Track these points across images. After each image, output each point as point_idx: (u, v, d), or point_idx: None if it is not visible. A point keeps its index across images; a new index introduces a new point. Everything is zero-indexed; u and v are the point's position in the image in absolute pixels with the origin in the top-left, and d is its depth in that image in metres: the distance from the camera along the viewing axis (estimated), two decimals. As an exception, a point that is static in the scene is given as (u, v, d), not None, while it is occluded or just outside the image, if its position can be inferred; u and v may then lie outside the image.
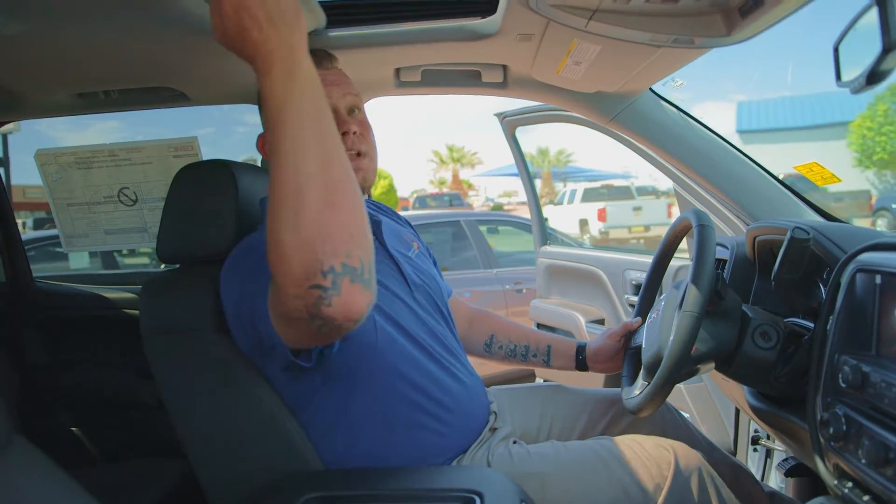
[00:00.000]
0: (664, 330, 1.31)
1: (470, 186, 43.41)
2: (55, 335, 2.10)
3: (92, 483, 0.77)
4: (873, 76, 0.86)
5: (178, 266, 1.41)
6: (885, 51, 0.82)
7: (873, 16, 0.88)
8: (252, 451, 1.22)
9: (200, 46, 1.39)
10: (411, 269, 1.40)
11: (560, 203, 21.01)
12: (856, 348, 1.01)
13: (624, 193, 19.65)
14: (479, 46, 1.48)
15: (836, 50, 1.05)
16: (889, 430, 0.87)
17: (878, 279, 0.99)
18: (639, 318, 1.58)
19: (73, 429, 2.06)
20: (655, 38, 1.05)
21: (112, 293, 2.11)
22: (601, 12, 0.99)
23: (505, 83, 1.69)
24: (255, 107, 1.82)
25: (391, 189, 31.48)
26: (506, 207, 31.78)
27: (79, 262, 5.70)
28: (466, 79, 1.69)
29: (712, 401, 2.16)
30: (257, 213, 1.37)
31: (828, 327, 1.08)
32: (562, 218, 19.76)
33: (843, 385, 0.99)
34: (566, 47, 1.31)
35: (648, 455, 1.29)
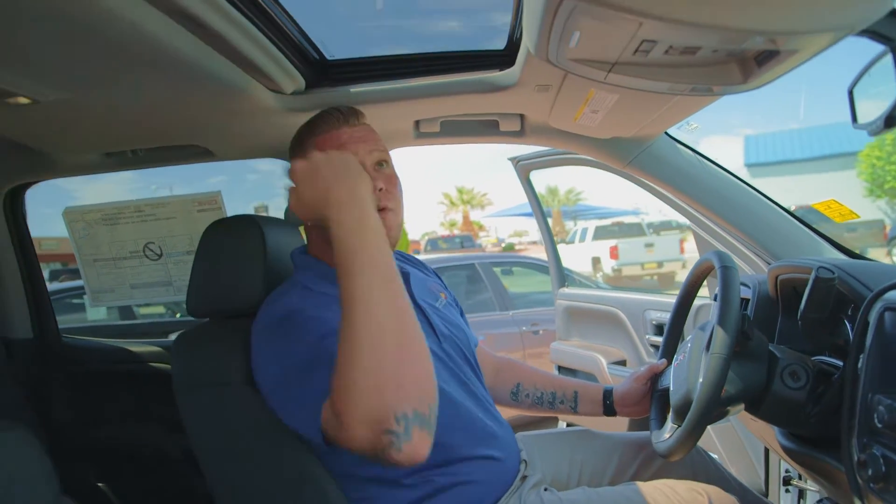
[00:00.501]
0: (692, 372, 1.31)
1: (481, 227, 43.57)
2: (82, 390, 2.11)
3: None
4: (891, 119, 0.88)
5: (206, 320, 1.43)
6: (903, 96, 0.84)
7: (887, 60, 0.91)
8: (284, 500, 1.21)
9: (226, 106, 1.43)
10: (439, 319, 1.41)
11: (572, 242, 21.02)
12: (889, 387, 1.01)
13: (635, 230, 19.65)
14: (497, 97, 1.52)
15: (850, 93, 1.08)
16: (930, 471, 0.87)
17: (907, 317, 0.99)
18: (664, 360, 1.58)
19: (100, 484, 2.06)
20: (674, 87, 1.08)
21: (137, 346, 2.13)
22: (620, 65, 1.02)
23: (522, 132, 1.72)
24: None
25: (402, 233, 31.63)
26: (517, 247, 31.82)
27: (96, 313, 5.74)
28: (484, 128, 1.72)
29: (741, 441, 2.14)
30: (284, 267, 1.39)
31: (858, 366, 1.08)
32: (574, 257, 19.72)
33: (879, 425, 0.99)
34: (584, 97, 1.34)
35: (682, 500, 1.28)
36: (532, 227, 41.15)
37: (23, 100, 1.16)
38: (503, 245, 35.19)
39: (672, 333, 1.61)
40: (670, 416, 1.40)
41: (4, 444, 1.03)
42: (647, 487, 1.32)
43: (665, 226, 22.96)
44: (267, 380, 1.14)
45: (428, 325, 1.37)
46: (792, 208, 1.81)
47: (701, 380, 1.21)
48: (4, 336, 2.03)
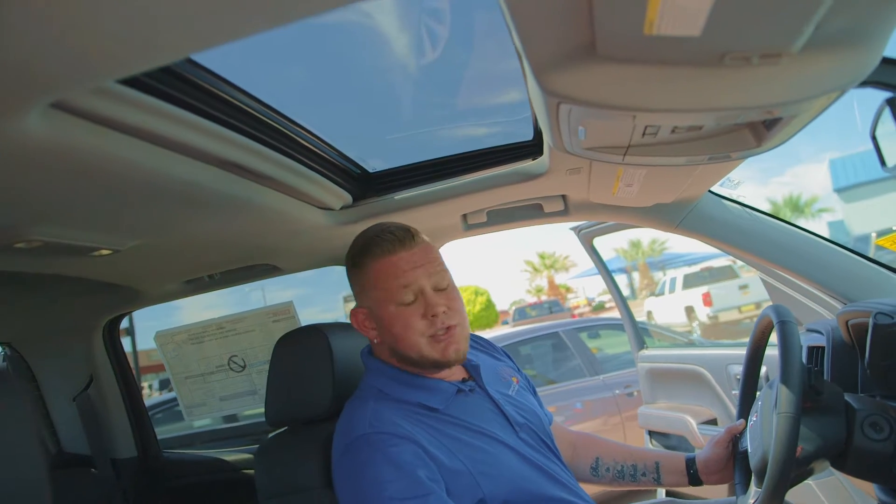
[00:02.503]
0: (766, 433, 1.28)
1: (568, 290, 42.98)
2: (183, 501, 2.23)
3: None
4: (909, 166, 0.88)
5: (284, 428, 1.51)
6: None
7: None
8: None
9: (283, 229, 1.56)
10: (513, 408, 1.43)
11: (661, 294, 20.45)
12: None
13: (726, 273, 18.89)
14: (535, 184, 1.58)
15: (874, 138, 1.08)
16: None
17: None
18: (742, 421, 1.54)
19: None
20: (692, 159, 1.11)
21: (230, 455, 2.24)
22: (634, 146, 1.07)
23: (567, 210, 1.77)
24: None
25: (489, 304, 31.63)
26: (608, 305, 31.15)
27: (201, 420, 5.97)
28: (530, 212, 1.78)
29: (850, 496, 2.01)
30: (353, 369, 1.46)
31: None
32: (666, 308, 19.14)
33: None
34: (614, 174, 1.39)
35: None
36: (621, 283, 40.30)
37: (105, 251, 1.31)
38: (594, 304, 34.57)
39: (746, 392, 1.57)
40: (753, 479, 1.36)
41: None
42: None
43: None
44: None
45: (503, 417, 1.39)
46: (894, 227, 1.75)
47: (773, 442, 1.19)
48: (111, 456, 2.19)
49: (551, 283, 44.37)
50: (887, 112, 0.93)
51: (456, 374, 1.40)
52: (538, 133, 1.43)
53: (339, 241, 1.38)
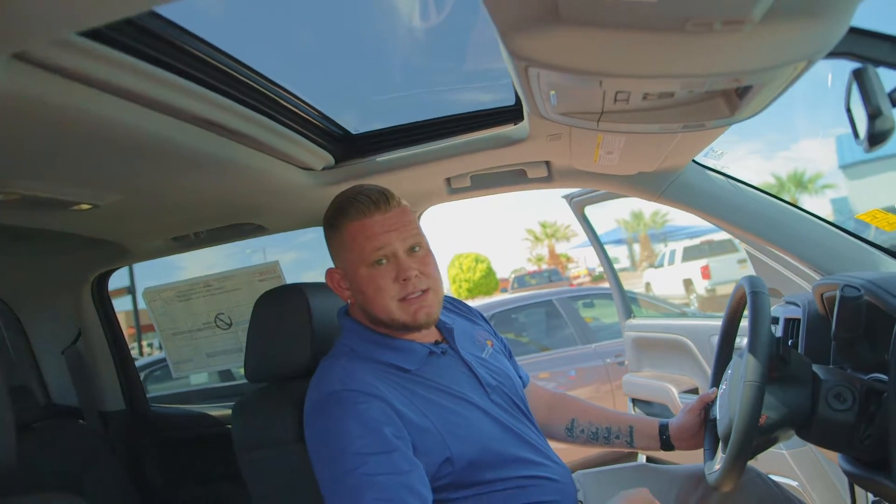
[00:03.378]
0: (732, 401, 1.30)
1: (569, 259, 43.04)
2: (170, 454, 2.28)
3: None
4: (873, 139, 0.89)
5: (264, 384, 1.54)
6: (872, 117, 0.85)
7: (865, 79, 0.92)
8: None
9: (265, 188, 1.56)
10: (485, 371, 1.45)
11: (660, 265, 20.48)
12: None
13: (726, 247, 18.86)
14: (517, 149, 1.58)
15: (848, 111, 1.07)
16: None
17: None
18: (714, 389, 1.56)
19: None
20: (666, 127, 1.11)
21: (217, 411, 2.28)
22: (607, 113, 1.07)
23: (550, 177, 1.77)
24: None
25: (490, 272, 31.69)
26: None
27: (198, 378, 6.04)
28: (513, 177, 1.78)
29: (821, 465, 2.04)
30: (331, 331, 1.48)
31: (896, 383, 1.05)
32: (665, 280, 19.18)
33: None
34: (594, 141, 1.39)
35: None
36: (622, 255, 40.37)
37: (85, 206, 1.32)
38: (594, 274, 34.63)
39: (719, 362, 1.59)
40: (720, 446, 1.38)
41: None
42: None
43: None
44: (317, 473, 1.22)
45: (475, 379, 1.41)
46: None
47: (738, 409, 1.21)
48: (99, 409, 2.23)
49: (552, 252, 44.44)
50: (856, 86, 0.93)
51: (429, 336, 1.42)
52: (519, 98, 1.42)
53: (323, 202, 1.39)
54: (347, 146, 1.60)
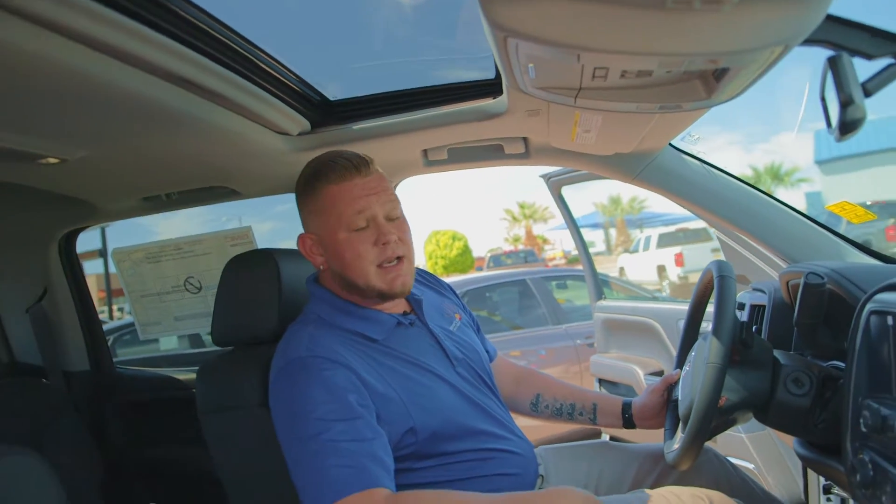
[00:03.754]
0: (695, 382, 1.32)
1: (545, 241, 43.21)
2: (134, 416, 2.26)
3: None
4: (844, 127, 0.89)
5: (231, 348, 1.53)
6: (844, 105, 0.86)
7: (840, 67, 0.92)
8: None
9: (238, 151, 1.54)
10: (452, 343, 1.46)
11: (636, 251, 20.67)
12: (876, 391, 1.01)
13: (700, 236, 19.08)
14: (495, 123, 1.57)
15: (822, 99, 1.08)
16: (910, 475, 0.87)
17: (890, 320, 0.99)
18: (678, 371, 1.59)
19: (152, 503, 2.20)
20: (642, 107, 1.11)
21: (183, 374, 2.27)
22: (585, 90, 1.06)
23: (527, 153, 1.77)
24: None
25: (466, 250, 31.71)
26: (582, 259, 31.35)
27: (169, 343, 6.00)
28: (490, 152, 1.78)
29: (778, 449, 2.09)
30: (300, 298, 1.48)
31: (852, 371, 1.07)
32: (639, 266, 19.37)
33: (865, 430, 0.98)
34: (572, 118, 1.38)
35: None
36: (597, 238, 40.63)
37: (52, 160, 1.29)
38: (569, 257, 34.86)
39: (685, 344, 1.61)
40: (680, 426, 1.41)
41: (17, 468, 1.14)
42: (651, 494, 1.33)
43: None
44: (280, 437, 1.22)
45: (441, 351, 1.41)
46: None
47: (699, 390, 1.23)
48: (63, 369, 2.20)
49: (529, 232, 44.57)
50: (831, 74, 0.93)
51: (398, 306, 1.42)
52: (499, 72, 1.42)
53: (297, 167, 1.37)
54: (324, 112, 1.58)
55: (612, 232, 38.96)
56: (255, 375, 1.36)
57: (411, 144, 1.72)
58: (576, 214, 3.23)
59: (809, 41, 0.92)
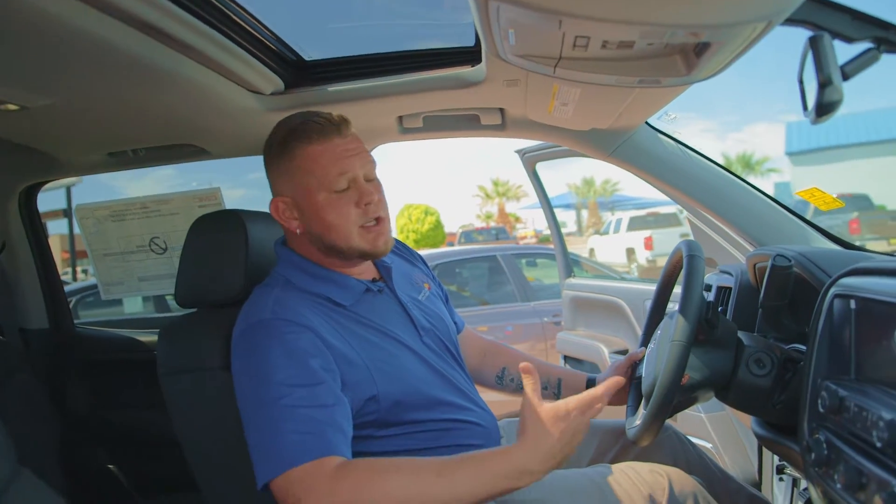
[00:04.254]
0: (659, 360, 1.33)
1: (517, 219, 43.37)
2: (94, 377, 2.22)
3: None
4: (820, 109, 0.89)
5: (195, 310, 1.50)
6: (822, 86, 0.85)
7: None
8: None
9: (209, 108, 1.50)
10: (420, 312, 1.44)
11: (606, 233, 20.86)
12: (836, 373, 1.02)
13: (671, 220, 19.32)
14: (473, 92, 1.55)
15: (800, 82, 1.08)
16: (863, 455, 0.88)
17: (852, 304, 1.00)
18: (643, 349, 1.60)
19: (111, 466, 2.17)
20: (621, 80, 1.10)
21: (146, 336, 2.22)
22: (565, 59, 1.05)
23: (503, 125, 1.75)
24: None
25: (438, 225, 31.72)
26: (553, 239, 31.58)
27: (133, 306, 5.90)
28: (466, 122, 1.76)
29: (735, 430, 2.14)
30: (267, 258, 1.45)
31: (813, 353, 1.09)
32: (609, 248, 19.56)
33: (822, 410, 1.00)
34: (550, 90, 1.37)
35: (643, 481, 1.30)
36: (569, 219, 40.89)
37: (12, 106, 1.24)
38: (540, 236, 35.06)
39: (651, 322, 1.62)
40: (642, 402, 1.42)
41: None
42: (611, 469, 1.35)
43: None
44: (239, 400, 1.20)
45: (408, 320, 1.40)
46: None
47: (662, 367, 1.24)
48: (21, 326, 2.15)
49: (501, 210, 44.68)
50: (810, 57, 0.93)
51: (367, 273, 1.40)
52: (479, 39, 1.39)
53: (268, 128, 1.33)
54: (299, 72, 1.54)
55: (584, 213, 39.23)
56: (219, 337, 1.33)
57: (387, 110, 1.69)
58: (550, 194, 3.23)
59: (791, 20, 0.91)
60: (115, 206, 2.12)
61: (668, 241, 17.11)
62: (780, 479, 2.00)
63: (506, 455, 1.11)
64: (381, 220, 1.31)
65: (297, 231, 1.33)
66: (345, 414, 1.16)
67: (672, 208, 22.33)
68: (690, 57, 1.01)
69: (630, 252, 18.29)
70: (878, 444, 0.83)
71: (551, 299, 5.59)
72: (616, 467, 1.36)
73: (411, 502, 1.05)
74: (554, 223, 3.24)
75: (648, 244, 17.45)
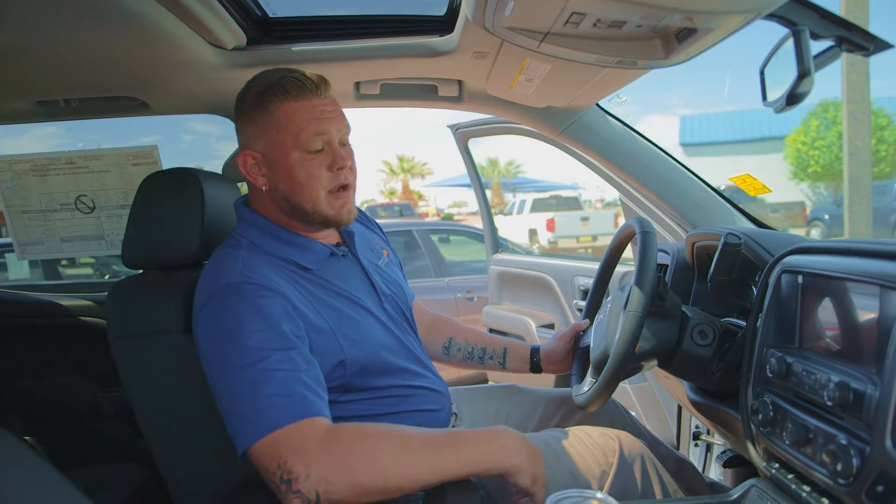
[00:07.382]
0: (610, 330, 1.40)
1: (420, 197, 43.45)
2: (8, 343, 2.07)
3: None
4: (792, 98, 0.97)
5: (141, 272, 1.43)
6: (801, 76, 0.93)
7: (791, 44, 1.00)
8: (224, 449, 1.19)
9: (163, 57, 1.42)
10: (380, 278, 1.45)
11: (510, 213, 21.27)
12: (782, 342, 1.12)
13: (572, 204, 20.04)
14: (436, 62, 1.55)
15: (762, 73, 1.16)
16: (809, 414, 0.98)
17: (800, 279, 1.10)
18: (587, 321, 1.67)
19: (27, 437, 2.04)
20: (601, 59, 1.15)
21: (67, 301, 2.10)
22: (552, 35, 1.08)
23: (460, 97, 1.77)
24: (207, 115, 1.86)
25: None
26: (456, 218, 31.89)
27: (18, 272, 5.49)
28: (423, 93, 1.76)
29: (657, 399, 2.28)
30: (223, 220, 1.41)
31: (758, 324, 1.18)
32: (511, 228, 19.99)
33: (770, 375, 1.09)
34: (519, 65, 1.40)
35: (595, 443, 1.37)
36: (471, 199, 41.34)
37: None
38: (442, 215, 35.29)
39: (595, 295, 1.70)
40: (590, 370, 1.49)
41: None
42: (564, 433, 1.41)
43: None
44: (210, 365, 1.16)
45: (370, 286, 1.41)
46: (722, 188, 1.92)
47: (617, 336, 1.30)
48: None
49: (405, 187, 44.62)
50: (784, 47, 1.01)
51: (331, 237, 1.39)
52: (452, 10, 1.40)
53: (225, 86, 1.28)
54: (262, 28, 1.49)
55: (488, 193, 39.80)
56: (176, 300, 1.29)
57: (345, 75, 1.66)
58: (454, 174, 3.27)
59: (772, 15, 0.98)
60: (38, 160, 1.97)
61: (569, 223, 17.75)
62: (696, 445, 2.16)
63: (488, 435, 1.15)
64: (347, 188, 1.31)
65: (263, 188, 1.30)
66: (318, 378, 1.16)
67: (573, 192, 23.09)
68: (671, 42, 1.07)
69: (533, 233, 18.76)
70: (829, 404, 0.91)
71: (465, 275, 5.69)
72: (569, 430, 1.42)
73: (401, 468, 1.06)
74: (484, 200, 3.29)
75: (550, 226, 17.95)
